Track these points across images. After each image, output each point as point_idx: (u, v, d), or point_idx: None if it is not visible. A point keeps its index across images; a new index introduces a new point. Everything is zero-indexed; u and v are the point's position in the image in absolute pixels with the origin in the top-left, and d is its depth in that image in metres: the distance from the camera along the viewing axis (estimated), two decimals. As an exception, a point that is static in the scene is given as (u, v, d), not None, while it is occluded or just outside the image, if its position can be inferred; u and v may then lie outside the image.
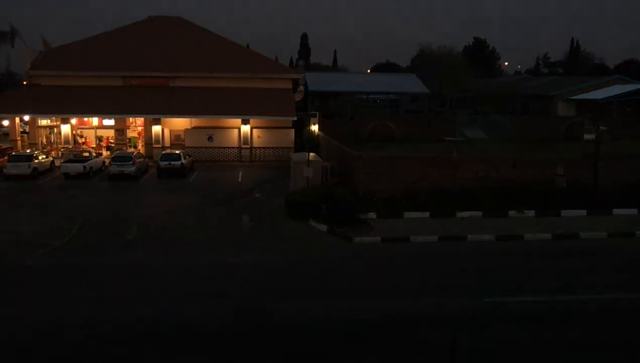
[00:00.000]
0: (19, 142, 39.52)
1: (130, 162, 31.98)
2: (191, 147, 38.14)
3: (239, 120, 39.04)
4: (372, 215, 22.81)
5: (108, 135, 42.50)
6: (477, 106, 56.20)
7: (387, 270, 17.37)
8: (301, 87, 49.90)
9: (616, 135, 36.39)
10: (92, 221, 22.66)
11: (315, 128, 40.26)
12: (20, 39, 46.71)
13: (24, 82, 42.56)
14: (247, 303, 14.36)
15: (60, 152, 39.56)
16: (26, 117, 39.54)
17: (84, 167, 32.14)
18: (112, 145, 41.36)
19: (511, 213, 23.41)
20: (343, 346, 12.02)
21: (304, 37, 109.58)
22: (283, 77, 43.27)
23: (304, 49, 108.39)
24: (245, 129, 39.26)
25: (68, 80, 40.17)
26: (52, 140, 41.75)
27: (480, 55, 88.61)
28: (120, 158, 32.54)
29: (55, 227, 21.43)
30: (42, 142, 40.73)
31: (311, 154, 27.03)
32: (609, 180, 24.68)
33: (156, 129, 39.22)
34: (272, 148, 39.31)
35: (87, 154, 34.78)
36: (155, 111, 38.80)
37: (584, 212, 23.57)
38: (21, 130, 40.89)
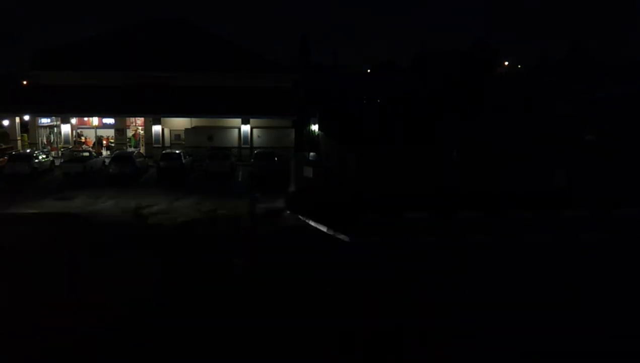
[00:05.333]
0: (19, 142, 39.53)
1: (130, 162, 31.96)
2: (191, 147, 38.12)
3: (239, 120, 39.04)
4: (372, 214, 22.76)
5: (108, 135, 42.53)
6: (476, 106, 56.05)
7: (386, 269, 17.33)
8: (301, 87, 49.89)
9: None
10: (90, 221, 22.63)
11: (315, 128, 40.24)
12: (21, 38, 46.71)
13: (24, 82, 42.60)
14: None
15: (60, 152, 39.58)
16: (26, 117, 39.54)
17: (84, 167, 32.11)
18: (112, 145, 41.36)
19: (510, 213, 23.33)
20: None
21: (305, 37, 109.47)
22: (283, 77, 43.25)
23: (305, 48, 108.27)
24: (245, 128, 39.25)
25: (68, 79, 40.19)
26: (52, 140, 41.77)
27: (481, 54, 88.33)
28: (119, 158, 32.51)
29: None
30: (42, 141, 40.75)
31: (311, 154, 27.01)
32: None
33: (156, 128, 39.21)
34: (272, 148, 39.26)
35: (87, 154, 34.78)
36: (156, 111, 38.82)
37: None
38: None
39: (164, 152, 35.23)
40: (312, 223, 22.16)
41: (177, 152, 34.47)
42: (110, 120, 41.25)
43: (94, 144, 41.80)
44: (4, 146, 37.18)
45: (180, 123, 40.26)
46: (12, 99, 39.53)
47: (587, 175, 25.27)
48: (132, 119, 42.22)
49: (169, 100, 39.32)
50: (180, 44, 43.69)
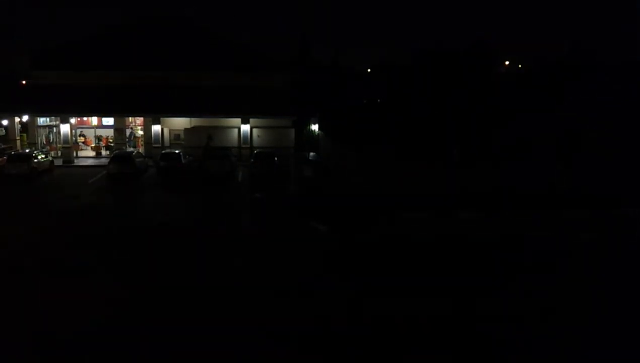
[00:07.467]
0: (19, 142, 39.45)
1: (130, 162, 31.86)
2: (191, 147, 38.04)
3: (238, 120, 38.95)
4: (372, 214, 22.73)
5: (107, 134, 42.44)
6: (476, 106, 56.03)
7: (385, 269, 17.31)
8: (302, 87, 49.86)
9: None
10: (89, 222, 22.60)
11: (315, 128, 40.19)
12: (20, 37, 46.73)
13: (23, 82, 42.54)
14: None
15: (59, 152, 39.49)
16: (25, 117, 39.46)
17: None
18: (112, 144, 41.27)
19: (510, 213, 23.27)
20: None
21: (305, 36, 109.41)
22: (283, 77, 43.17)
23: (305, 48, 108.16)
24: (245, 128, 39.16)
25: (67, 79, 40.10)
26: (52, 140, 41.68)
27: (481, 54, 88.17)
28: (119, 158, 32.41)
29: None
30: (41, 141, 40.68)
31: (311, 154, 26.99)
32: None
33: (156, 128, 39.12)
34: (272, 148, 39.13)
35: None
36: (155, 110, 38.73)
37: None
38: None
39: (163, 151, 35.16)
40: (312, 223, 22.12)
41: (177, 152, 34.40)
42: (109, 120, 41.18)
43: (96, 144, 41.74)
44: (3, 146, 37.09)
45: (180, 123, 40.19)
46: (11, 99, 39.42)
47: (587, 175, 25.26)
48: (132, 119, 42.16)
49: (168, 100, 39.24)
50: (180, 44, 43.57)
